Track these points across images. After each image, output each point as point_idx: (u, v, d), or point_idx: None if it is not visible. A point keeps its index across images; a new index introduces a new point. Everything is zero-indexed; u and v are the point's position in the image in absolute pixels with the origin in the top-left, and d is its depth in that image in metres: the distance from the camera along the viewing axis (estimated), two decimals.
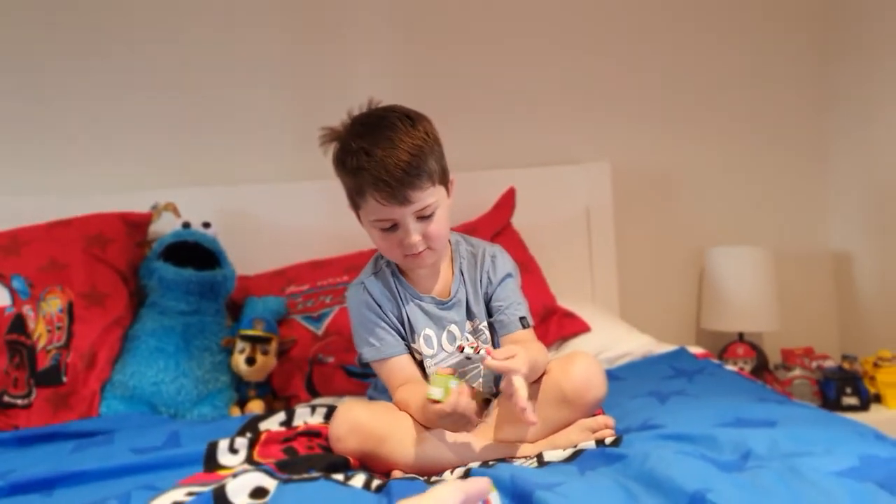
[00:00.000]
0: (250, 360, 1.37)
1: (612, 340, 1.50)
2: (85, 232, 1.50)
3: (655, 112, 1.95)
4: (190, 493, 0.79)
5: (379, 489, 0.82)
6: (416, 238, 0.97)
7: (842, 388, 1.58)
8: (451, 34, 1.89)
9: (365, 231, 1.04)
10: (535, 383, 0.97)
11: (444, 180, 1.01)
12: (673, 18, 1.95)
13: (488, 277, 1.07)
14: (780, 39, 1.97)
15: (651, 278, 1.95)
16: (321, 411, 1.16)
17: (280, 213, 1.74)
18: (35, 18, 1.77)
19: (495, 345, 1.07)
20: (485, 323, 1.07)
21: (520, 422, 0.97)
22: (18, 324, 1.38)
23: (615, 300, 1.83)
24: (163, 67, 1.81)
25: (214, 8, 1.82)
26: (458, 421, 0.90)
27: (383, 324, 1.03)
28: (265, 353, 1.39)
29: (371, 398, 1.16)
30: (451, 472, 0.90)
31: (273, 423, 1.13)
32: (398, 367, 1.02)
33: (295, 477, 0.83)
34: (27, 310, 1.39)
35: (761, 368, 1.77)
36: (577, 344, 1.48)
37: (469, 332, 1.06)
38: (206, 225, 1.53)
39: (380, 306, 1.04)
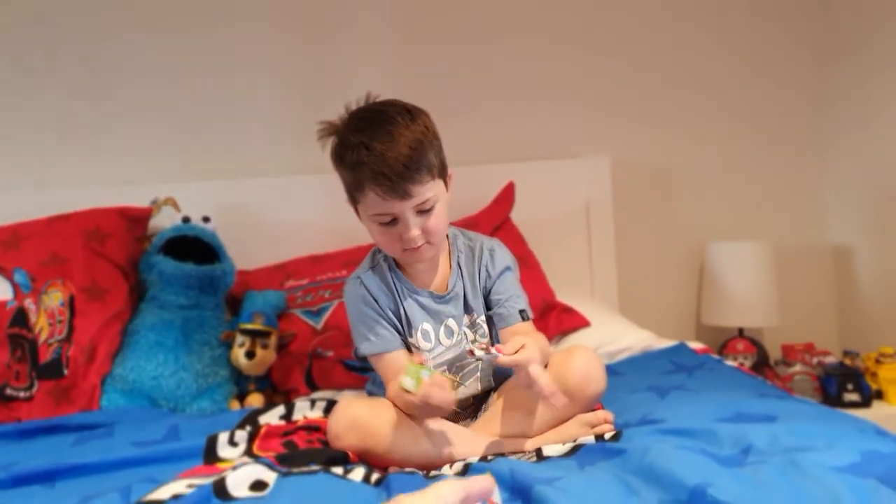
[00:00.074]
0: (250, 354, 1.37)
1: (612, 335, 1.49)
2: (84, 227, 1.50)
3: (655, 107, 1.94)
4: (190, 486, 0.79)
5: (378, 483, 0.82)
6: (415, 232, 0.96)
7: (843, 385, 1.58)
8: (450, 29, 1.88)
9: (363, 226, 1.04)
10: None
11: (442, 174, 1.01)
12: (674, 13, 1.94)
13: (487, 271, 1.07)
14: (781, 35, 1.96)
15: (651, 273, 1.95)
16: (321, 405, 1.16)
17: (280, 207, 1.74)
18: (30, 15, 1.76)
19: (494, 339, 1.07)
20: (483, 317, 1.07)
21: (518, 416, 0.98)
22: (20, 317, 1.38)
23: (614, 295, 1.83)
24: (163, 62, 1.80)
25: (215, 4, 1.81)
26: (433, 411, 0.90)
27: (380, 318, 1.03)
28: (265, 347, 1.39)
29: (370, 392, 1.16)
30: (451, 467, 0.90)
31: (273, 417, 1.13)
32: (394, 362, 1.02)
33: (295, 470, 0.83)
34: (29, 303, 1.39)
35: (761, 364, 1.77)
36: (577, 339, 1.48)
37: (467, 327, 1.06)
38: (206, 219, 1.53)
39: (376, 301, 1.04)
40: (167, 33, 1.80)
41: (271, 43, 1.83)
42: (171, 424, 1.10)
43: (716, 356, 1.39)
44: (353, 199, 1.01)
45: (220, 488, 0.78)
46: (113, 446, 1.01)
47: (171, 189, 1.62)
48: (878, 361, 1.64)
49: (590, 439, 0.91)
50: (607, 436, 0.90)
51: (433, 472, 0.89)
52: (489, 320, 1.07)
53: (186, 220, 1.51)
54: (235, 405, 1.37)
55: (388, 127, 0.94)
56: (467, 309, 1.07)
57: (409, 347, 1.05)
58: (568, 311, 1.54)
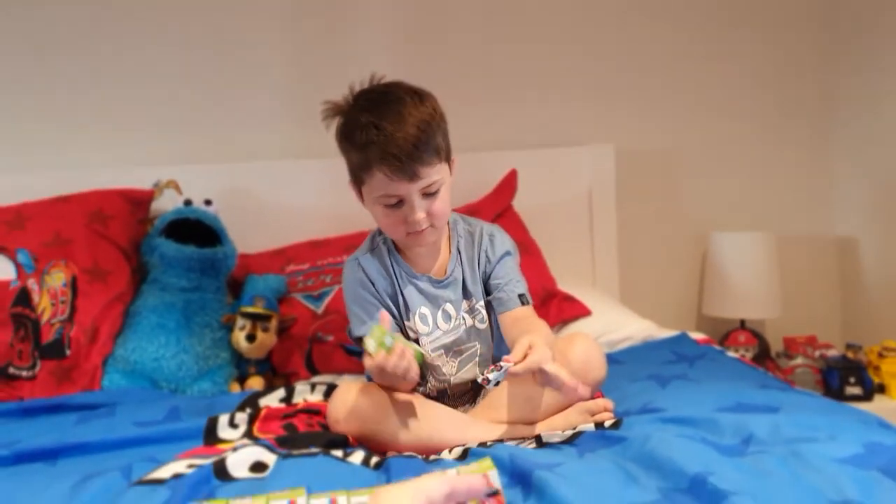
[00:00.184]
0: (250, 337, 1.37)
1: (613, 325, 1.49)
2: (87, 208, 1.50)
3: (660, 95, 1.92)
4: (190, 466, 0.79)
5: (378, 466, 0.82)
6: (420, 215, 0.96)
7: (845, 378, 1.57)
8: (456, 13, 1.86)
9: (365, 210, 1.03)
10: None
11: (448, 158, 1.00)
12: (680, 2, 1.91)
13: (486, 256, 1.06)
14: (786, 26, 1.93)
15: (652, 263, 1.94)
16: (321, 389, 1.17)
17: (281, 191, 1.73)
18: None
19: (494, 325, 1.07)
20: (481, 302, 1.06)
21: (517, 403, 0.97)
22: (23, 297, 1.38)
23: (616, 284, 1.83)
24: (165, 46, 1.79)
25: None
26: (394, 379, 0.90)
27: (375, 301, 1.03)
28: (265, 330, 1.39)
29: (370, 377, 1.16)
30: (450, 452, 0.90)
31: (273, 400, 1.13)
32: None
33: (294, 452, 0.83)
34: (32, 283, 1.39)
35: (763, 356, 1.76)
36: (578, 328, 1.48)
37: (466, 312, 1.06)
38: (208, 202, 1.53)
39: (373, 284, 1.04)
40: (170, 15, 1.79)
41: (274, 27, 1.82)
42: (172, 405, 1.11)
43: (717, 347, 1.39)
44: (359, 181, 1.00)
45: (220, 469, 0.78)
46: (114, 426, 1.02)
47: (172, 172, 1.61)
48: (880, 355, 1.63)
49: (590, 427, 0.91)
50: (607, 423, 0.90)
51: (433, 457, 0.89)
52: (488, 306, 1.07)
53: (188, 202, 1.51)
54: (236, 388, 1.37)
55: (398, 107, 0.93)
56: (466, 294, 1.06)
57: (405, 331, 1.05)
58: (569, 299, 1.54)
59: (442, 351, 1.05)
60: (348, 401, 0.95)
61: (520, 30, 1.87)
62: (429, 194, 0.96)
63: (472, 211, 1.55)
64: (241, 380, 1.41)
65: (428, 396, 1.05)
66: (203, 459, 0.81)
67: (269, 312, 1.40)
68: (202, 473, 0.77)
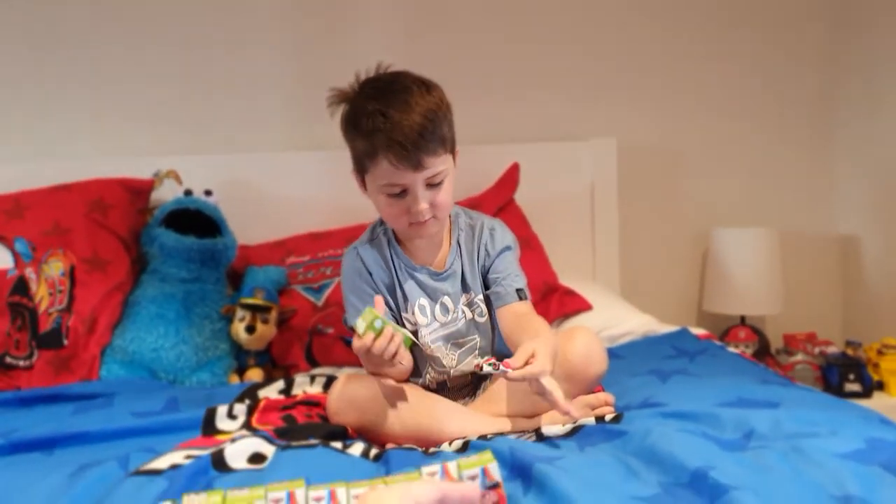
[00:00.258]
0: (250, 329, 1.36)
1: (613, 319, 1.49)
2: (86, 197, 1.49)
3: (663, 90, 1.91)
4: (189, 457, 0.79)
5: (377, 458, 0.82)
6: (424, 205, 0.95)
7: (845, 375, 1.57)
8: (456, 13, 1.84)
9: (366, 201, 1.02)
10: None
11: (453, 149, 1.00)
12: (682, 0, 1.90)
13: (486, 250, 1.05)
14: (789, 19, 1.92)
15: (654, 258, 1.93)
16: (320, 381, 1.16)
17: (282, 183, 1.72)
18: None
19: (493, 320, 1.06)
20: (480, 296, 1.06)
21: (517, 396, 0.97)
22: (21, 286, 1.38)
23: (616, 279, 1.82)
24: (167, 35, 1.77)
25: None
26: (380, 362, 0.90)
27: (371, 291, 1.02)
28: (265, 321, 1.38)
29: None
30: (450, 444, 0.90)
31: (272, 391, 1.13)
32: None
33: (293, 444, 0.83)
34: (29, 272, 1.39)
35: (762, 353, 1.76)
36: (578, 322, 1.47)
37: (464, 305, 1.05)
38: (208, 193, 1.52)
39: (371, 274, 1.03)
40: (171, 5, 1.77)
41: (276, 18, 1.80)
42: (171, 396, 1.10)
43: (718, 342, 1.39)
44: (362, 169, 0.99)
45: (218, 460, 0.78)
46: (112, 416, 1.02)
47: (172, 162, 1.60)
48: (880, 352, 1.63)
49: (590, 420, 0.90)
50: (608, 417, 0.90)
51: (432, 449, 0.89)
52: (487, 300, 1.06)
53: (188, 193, 1.50)
54: (235, 379, 1.37)
55: (405, 95, 0.92)
56: (465, 287, 1.06)
57: (402, 321, 1.04)
58: (570, 293, 1.54)
59: (441, 342, 1.05)
60: (348, 392, 0.95)
61: (521, 29, 1.86)
62: (433, 185, 0.96)
63: (473, 204, 1.54)
64: (241, 371, 1.40)
65: (428, 389, 1.05)
66: (201, 450, 0.81)
67: (269, 304, 1.40)
68: (200, 464, 0.76)
